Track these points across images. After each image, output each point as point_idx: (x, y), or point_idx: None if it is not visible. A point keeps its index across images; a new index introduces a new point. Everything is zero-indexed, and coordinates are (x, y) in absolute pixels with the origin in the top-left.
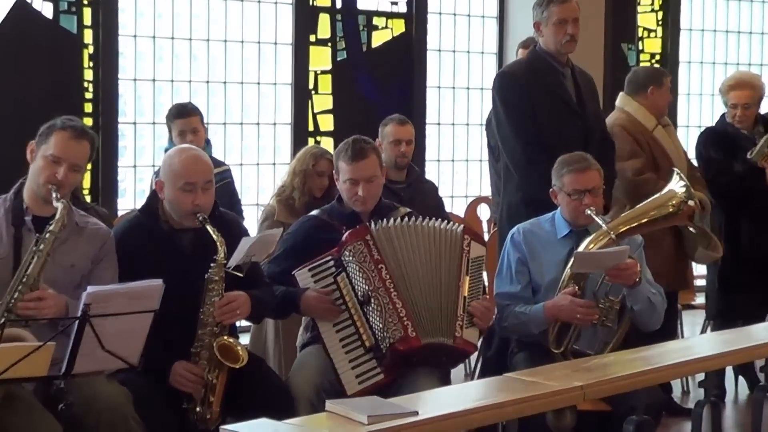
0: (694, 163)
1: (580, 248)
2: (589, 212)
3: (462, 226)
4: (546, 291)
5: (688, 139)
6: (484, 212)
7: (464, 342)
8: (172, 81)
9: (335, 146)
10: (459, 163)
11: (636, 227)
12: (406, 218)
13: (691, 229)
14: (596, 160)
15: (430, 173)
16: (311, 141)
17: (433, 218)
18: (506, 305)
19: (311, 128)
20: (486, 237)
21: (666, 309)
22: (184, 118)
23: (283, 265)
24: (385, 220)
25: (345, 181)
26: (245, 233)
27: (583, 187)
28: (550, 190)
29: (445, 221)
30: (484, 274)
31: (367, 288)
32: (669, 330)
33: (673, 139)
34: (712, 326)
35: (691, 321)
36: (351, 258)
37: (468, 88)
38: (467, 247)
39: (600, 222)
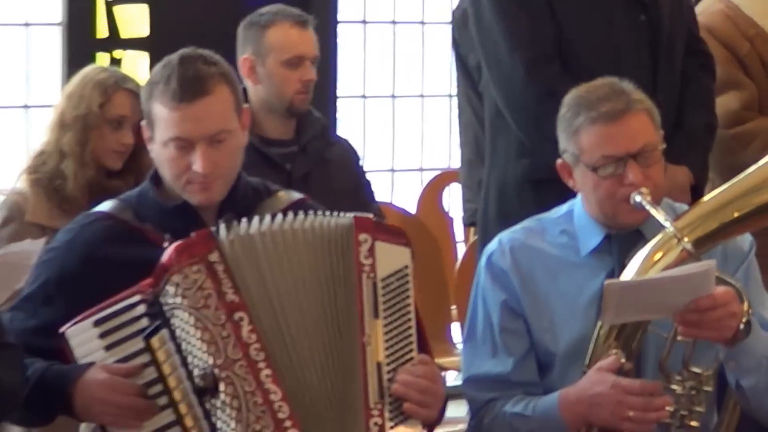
0: None
1: (626, 273)
2: (639, 199)
3: (352, 216)
4: (564, 365)
5: None
6: (455, 202)
7: None
8: None
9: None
10: (405, 102)
11: (729, 226)
12: (288, 215)
13: None
14: (677, 91)
15: (346, 125)
16: (102, 59)
17: (327, 212)
18: (488, 401)
19: (102, 33)
20: (460, 251)
21: None
22: None
23: (42, 316)
24: (245, 220)
25: (166, 143)
26: None
27: (622, 151)
28: (558, 161)
29: (332, 213)
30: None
31: (210, 361)
32: None
33: None
34: None
35: None
36: (179, 299)
37: None
38: (367, 259)
39: (660, 218)
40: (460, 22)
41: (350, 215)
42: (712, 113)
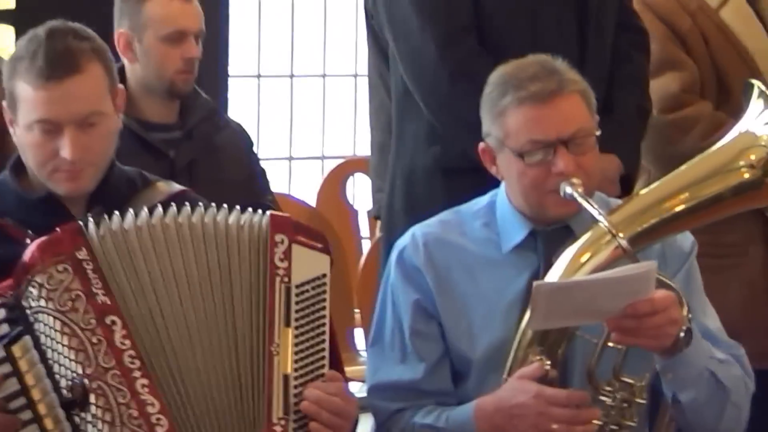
0: None
1: (552, 272)
2: (569, 190)
3: (268, 214)
4: (482, 373)
5: None
6: (360, 193)
7: None
8: None
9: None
10: (304, 82)
11: (670, 221)
12: (169, 209)
13: None
14: (607, 71)
15: (238, 108)
16: None
17: (225, 206)
18: (395, 412)
19: None
20: (365, 247)
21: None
22: None
23: None
24: (117, 214)
25: (30, 126)
26: None
27: (552, 136)
28: (480, 146)
29: (244, 210)
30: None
31: (79, 370)
32: None
33: None
34: None
35: None
36: (43, 302)
37: None
38: (282, 262)
39: (593, 211)
40: None
41: (266, 215)
42: (645, 96)
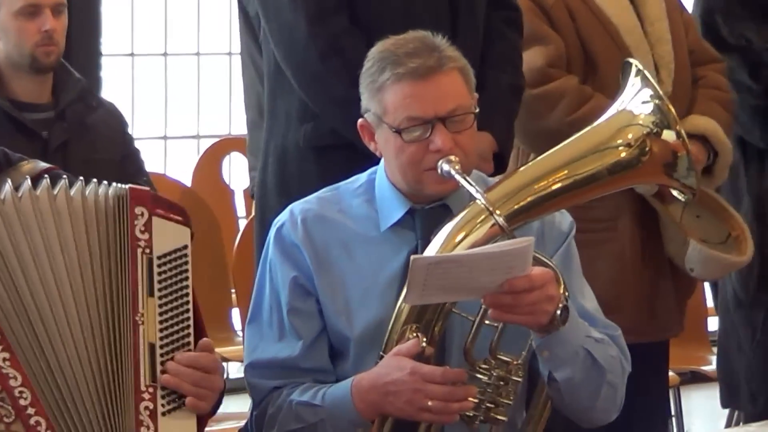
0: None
1: (429, 250)
2: (447, 167)
3: (127, 187)
4: (360, 351)
5: None
6: (236, 172)
7: None
8: None
9: None
10: (178, 60)
11: (547, 199)
12: (42, 183)
13: (677, 196)
14: (479, 48)
15: (112, 87)
16: None
17: (93, 181)
18: (272, 389)
19: None
20: (241, 227)
21: (639, 379)
22: None
23: None
24: None
25: None
26: None
27: (430, 114)
28: (359, 121)
29: (102, 183)
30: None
31: None
32: (651, 423)
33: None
34: (744, 417)
35: (707, 406)
36: None
37: None
38: (143, 234)
39: (470, 189)
40: None
41: (124, 187)
42: (518, 73)
